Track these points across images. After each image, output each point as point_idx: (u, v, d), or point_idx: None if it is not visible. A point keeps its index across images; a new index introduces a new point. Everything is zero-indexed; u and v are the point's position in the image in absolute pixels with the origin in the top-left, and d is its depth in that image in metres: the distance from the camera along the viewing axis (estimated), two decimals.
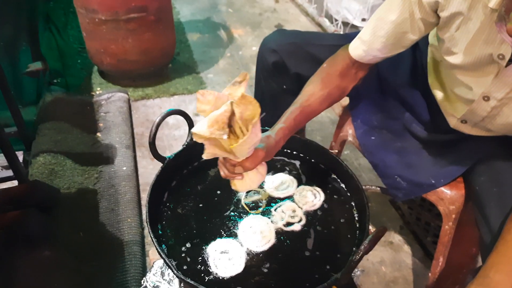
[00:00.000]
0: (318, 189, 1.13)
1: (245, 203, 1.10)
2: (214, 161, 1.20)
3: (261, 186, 1.14)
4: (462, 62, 0.93)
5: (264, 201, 1.11)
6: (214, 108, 0.79)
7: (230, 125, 0.79)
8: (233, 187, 0.97)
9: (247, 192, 1.12)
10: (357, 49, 1.07)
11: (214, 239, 1.00)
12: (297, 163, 1.22)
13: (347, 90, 1.13)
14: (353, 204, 1.08)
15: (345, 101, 1.39)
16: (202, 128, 0.77)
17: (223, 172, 0.93)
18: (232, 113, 0.78)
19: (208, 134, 0.77)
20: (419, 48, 1.22)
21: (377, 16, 1.02)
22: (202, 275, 0.93)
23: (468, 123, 1.04)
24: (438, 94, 1.12)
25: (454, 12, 0.88)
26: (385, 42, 1.01)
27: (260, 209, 1.09)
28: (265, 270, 0.94)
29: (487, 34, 0.85)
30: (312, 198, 1.11)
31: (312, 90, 1.08)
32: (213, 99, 0.79)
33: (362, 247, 0.80)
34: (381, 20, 1.01)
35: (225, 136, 0.78)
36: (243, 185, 0.96)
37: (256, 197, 1.12)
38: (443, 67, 1.08)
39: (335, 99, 1.13)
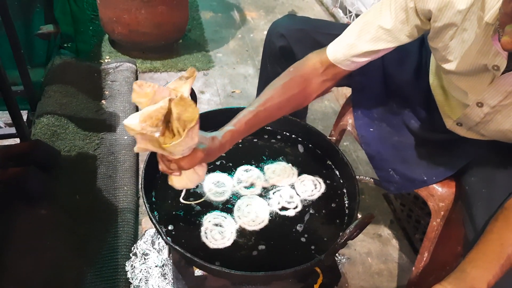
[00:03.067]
0: (320, 180, 1.14)
1: (183, 200, 1.06)
2: None
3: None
4: (457, 70, 0.93)
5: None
6: (151, 102, 0.74)
7: (168, 121, 0.74)
8: (169, 183, 0.91)
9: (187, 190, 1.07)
10: (336, 52, 1.02)
11: (210, 212, 1.03)
12: (300, 147, 1.23)
13: (309, 99, 1.09)
14: (345, 191, 1.10)
15: (350, 91, 1.40)
16: (133, 122, 0.71)
17: (161, 166, 0.87)
18: (170, 111, 0.73)
19: (139, 129, 0.72)
20: (425, 47, 1.22)
21: (364, 20, 0.99)
22: (191, 243, 0.95)
23: (463, 126, 1.06)
24: (438, 95, 1.13)
25: (447, 23, 0.88)
26: (371, 46, 0.98)
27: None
28: (253, 248, 0.97)
29: (482, 45, 0.85)
30: (312, 187, 1.12)
31: (271, 94, 1.02)
32: (152, 92, 0.74)
33: (348, 230, 0.82)
34: (369, 24, 0.98)
35: (157, 134, 0.73)
36: (180, 182, 0.91)
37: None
38: (441, 71, 1.09)
39: (295, 106, 1.07)
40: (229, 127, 0.95)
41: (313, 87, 1.07)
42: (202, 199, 1.06)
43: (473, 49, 0.87)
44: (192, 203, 1.04)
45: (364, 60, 1.02)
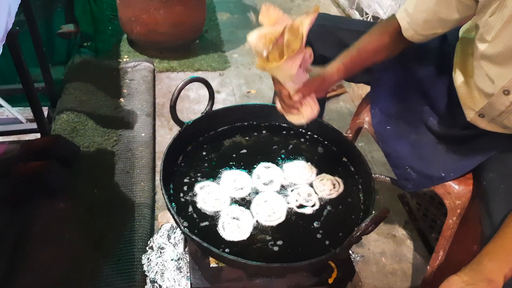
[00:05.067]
0: (340, 180, 1.14)
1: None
2: (231, 132, 1.25)
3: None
4: (491, 51, 0.93)
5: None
6: (272, 25, 0.83)
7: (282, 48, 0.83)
8: (288, 119, 1.05)
9: None
10: (402, 20, 1.08)
11: (229, 205, 1.04)
12: (319, 149, 1.24)
13: (399, 48, 1.15)
14: (361, 188, 1.11)
15: (365, 92, 1.40)
16: (253, 36, 0.83)
17: (279, 106, 1.03)
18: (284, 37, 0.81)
19: (253, 43, 0.83)
20: (447, 42, 1.22)
21: None
22: (207, 234, 0.97)
23: (486, 118, 1.05)
24: (461, 88, 1.12)
25: None
26: (426, 18, 1.03)
27: None
28: (268, 242, 0.98)
29: None
30: (331, 187, 1.12)
31: (369, 38, 1.12)
32: (275, 17, 0.84)
33: (363, 224, 0.82)
34: None
35: (264, 53, 0.83)
36: (296, 117, 1.03)
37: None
38: (470, 60, 1.08)
39: (389, 52, 1.15)
40: (335, 62, 1.07)
41: (401, 40, 1.12)
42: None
43: (510, 27, 0.87)
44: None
45: (426, 32, 1.07)
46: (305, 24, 0.82)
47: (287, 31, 0.79)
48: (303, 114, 1.01)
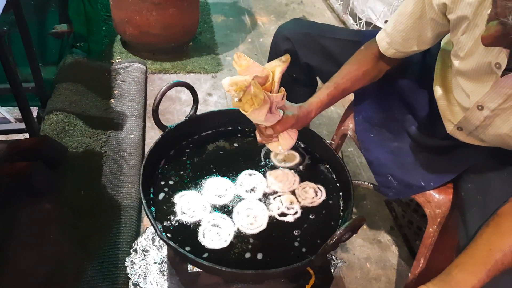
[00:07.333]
0: (322, 188, 1.13)
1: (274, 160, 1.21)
2: (215, 136, 1.25)
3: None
4: (464, 68, 0.95)
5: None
6: (244, 72, 0.89)
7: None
8: (269, 147, 1.11)
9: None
10: (382, 40, 1.13)
11: (210, 212, 1.04)
12: (303, 155, 1.24)
13: (381, 73, 1.20)
14: (341, 194, 1.11)
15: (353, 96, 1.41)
16: (225, 82, 0.89)
17: (259, 137, 1.07)
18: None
19: (226, 89, 0.89)
20: (429, 53, 1.23)
21: (398, 10, 1.08)
22: (187, 241, 0.96)
23: (464, 131, 1.06)
24: (441, 99, 1.13)
25: (460, 16, 0.90)
26: (405, 36, 1.07)
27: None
28: (248, 250, 0.97)
29: None
30: (313, 195, 1.12)
31: (348, 69, 1.15)
32: (246, 65, 0.89)
33: (338, 232, 0.82)
34: (401, 15, 1.06)
35: (236, 99, 0.90)
36: (276, 146, 1.09)
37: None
38: (450, 73, 1.10)
39: (370, 79, 1.19)
40: (313, 98, 1.12)
41: (384, 63, 1.18)
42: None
43: (481, 46, 0.89)
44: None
45: (406, 50, 1.11)
46: (276, 72, 0.90)
47: (252, 85, 0.85)
48: (281, 144, 1.08)
